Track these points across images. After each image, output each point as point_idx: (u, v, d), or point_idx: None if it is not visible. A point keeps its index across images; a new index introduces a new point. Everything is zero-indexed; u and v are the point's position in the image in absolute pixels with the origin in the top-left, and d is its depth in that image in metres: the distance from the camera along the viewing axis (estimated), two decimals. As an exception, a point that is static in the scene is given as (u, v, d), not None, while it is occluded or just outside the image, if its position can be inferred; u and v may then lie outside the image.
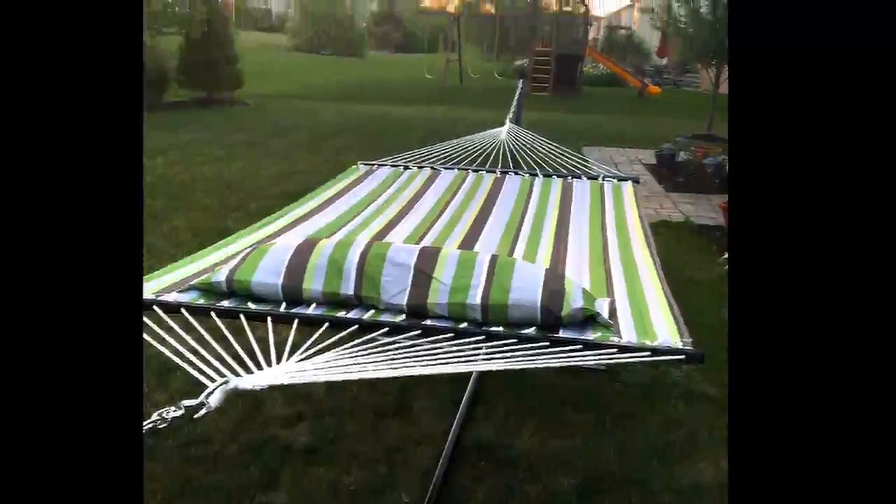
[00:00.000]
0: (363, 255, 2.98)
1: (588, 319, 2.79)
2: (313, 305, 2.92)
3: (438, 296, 2.83)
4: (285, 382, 2.08)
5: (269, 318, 2.71)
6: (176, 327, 2.48)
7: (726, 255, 7.56)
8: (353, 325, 2.70)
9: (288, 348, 2.29)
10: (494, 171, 5.64)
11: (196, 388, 1.92)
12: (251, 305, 2.90)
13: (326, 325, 2.70)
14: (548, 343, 2.54)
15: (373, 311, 2.89)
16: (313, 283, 2.93)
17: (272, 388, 2.05)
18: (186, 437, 4.20)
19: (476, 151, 6.25)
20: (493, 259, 2.99)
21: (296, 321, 2.71)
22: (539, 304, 2.75)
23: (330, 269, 2.95)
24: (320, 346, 2.34)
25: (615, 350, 2.53)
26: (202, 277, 3.08)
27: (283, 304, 2.92)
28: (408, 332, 2.62)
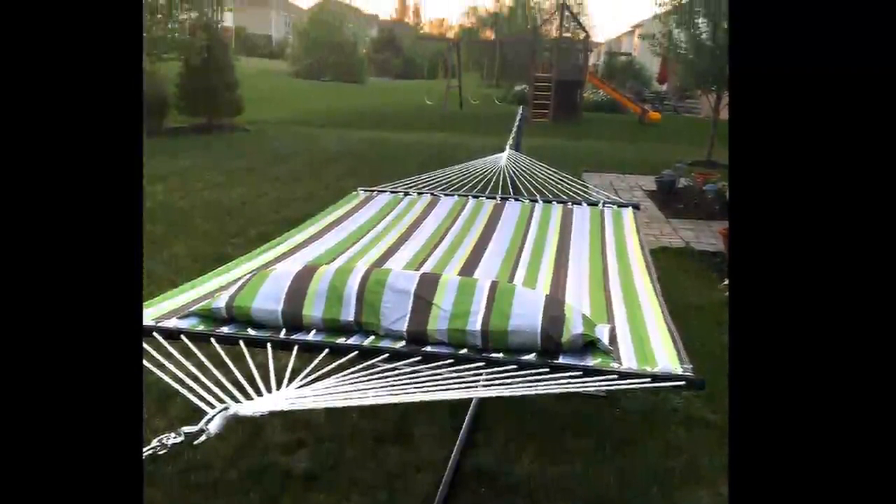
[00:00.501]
0: (363, 282, 2.98)
1: (588, 345, 2.78)
2: (313, 332, 2.91)
3: (438, 322, 2.83)
4: (285, 409, 2.08)
5: (268, 345, 2.71)
6: (176, 353, 2.48)
7: (727, 282, 7.57)
8: (353, 352, 2.69)
9: (288, 374, 2.29)
10: (494, 198, 5.65)
11: (196, 414, 1.92)
12: (251, 332, 2.90)
13: (326, 351, 2.70)
14: (548, 369, 2.54)
15: (373, 338, 2.88)
16: (313, 309, 2.93)
17: (272, 414, 2.05)
18: (186, 463, 4.19)
19: (476, 177, 6.26)
20: (493, 285, 2.99)
21: (296, 347, 2.71)
22: (539, 331, 2.75)
23: (330, 296, 2.95)
24: (320, 372, 2.34)
25: (615, 376, 2.53)
26: (202, 304, 3.08)
27: (283, 331, 2.92)
28: (408, 359, 2.62)
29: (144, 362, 1.97)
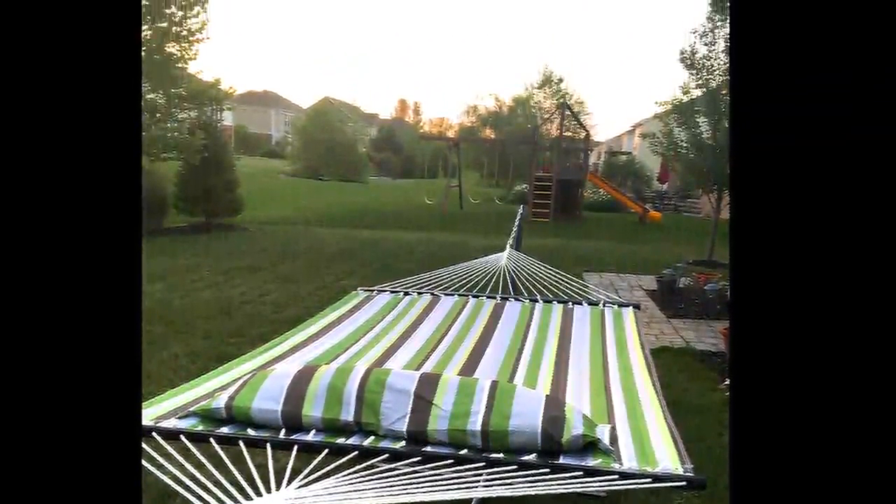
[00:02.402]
0: (363, 382, 2.99)
1: (589, 445, 2.78)
2: (313, 432, 2.91)
3: (438, 422, 2.83)
4: (285, 510, 2.07)
5: (268, 445, 2.70)
6: (175, 454, 2.47)
7: (727, 381, 7.54)
8: (353, 452, 2.69)
9: (287, 474, 2.28)
10: (495, 297, 5.66)
11: (195, 515, 1.91)
12: (250, 432, 2.90)
13: (326, 451, 2.69)
14: (548, 469, 2.53)
15: (373, 438, 2.88)
16: (313, 409, 2.93)
17: (272, 515, 2.04)
18: (183, 565, 4.14)
19: (476, 277, 6.28)
20: (494, 385, 2.99)
21: (295, 447, 2.71)
22: (539, 431, 2.74)
23: (329, 396, 2.95)
24: (320, 472, 2.33)
25: (616, 476, 2.52)
26: (201, 404, 3.07)
27: (283, 431, 2.91)
28: (408, 459, 2.61)
29: (143, 462, 1.96)
